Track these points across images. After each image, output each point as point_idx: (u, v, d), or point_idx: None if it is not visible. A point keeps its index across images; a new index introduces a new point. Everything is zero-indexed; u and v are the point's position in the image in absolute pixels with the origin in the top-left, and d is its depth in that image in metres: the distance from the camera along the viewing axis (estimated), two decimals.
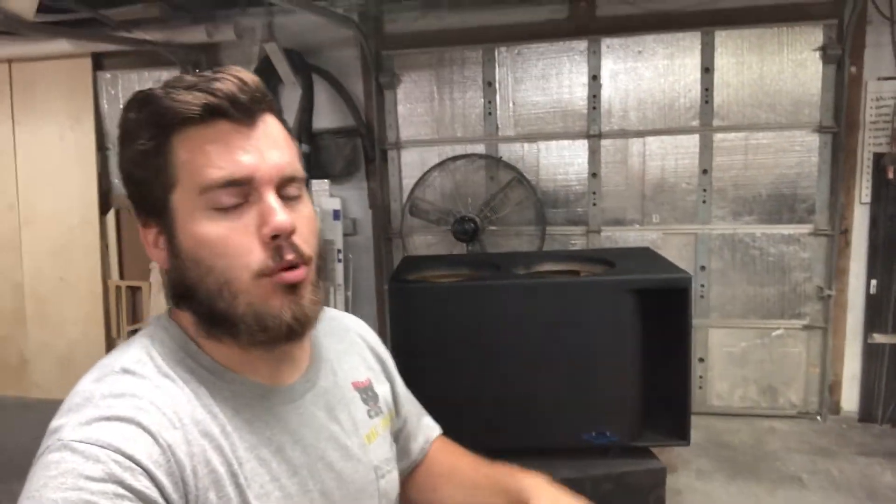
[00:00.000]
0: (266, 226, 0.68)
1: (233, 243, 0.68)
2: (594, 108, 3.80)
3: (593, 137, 3.83)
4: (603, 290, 2.26)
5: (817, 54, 3.58)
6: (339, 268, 3.96)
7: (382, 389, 0.94)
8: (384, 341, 1.03)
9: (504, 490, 0.93)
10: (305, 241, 0.72)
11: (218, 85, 0.68)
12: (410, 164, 4.07)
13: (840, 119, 3.58)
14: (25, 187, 4.53)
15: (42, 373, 4.55)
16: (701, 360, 3.90)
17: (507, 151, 3.95)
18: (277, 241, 0.69)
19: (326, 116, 4.11)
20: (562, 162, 3.91)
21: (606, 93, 3.78)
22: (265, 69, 4.01)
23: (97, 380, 0.68)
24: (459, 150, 3.97)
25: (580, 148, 3.87)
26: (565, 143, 3.88)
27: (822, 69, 3.59)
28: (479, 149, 3.97)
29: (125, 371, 0.69)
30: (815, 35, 3.56)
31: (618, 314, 2.25)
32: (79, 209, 4.45)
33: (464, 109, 3.97)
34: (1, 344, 4.62)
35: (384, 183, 4.11)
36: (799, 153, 3.65)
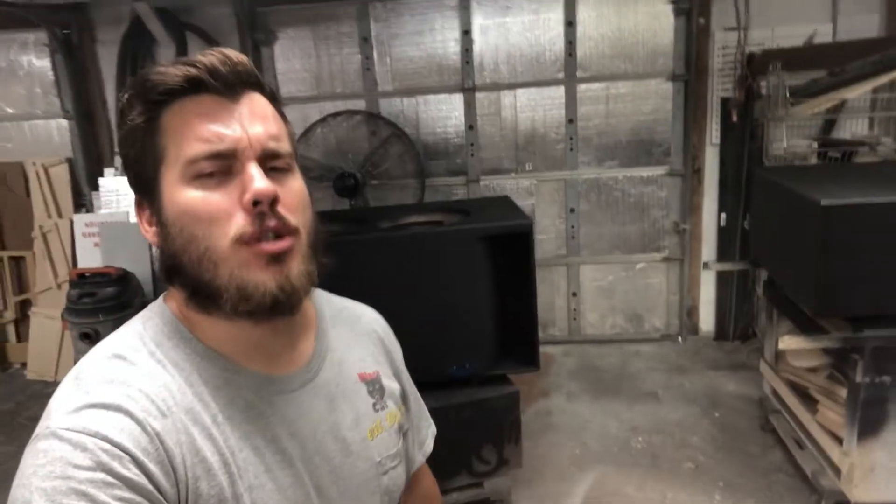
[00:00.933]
0: (246, 192, 0.68)
1: (212, 210, 0.68)
2: (467, 62, 3.97)
3: (468, 91, 4.01)
4: (455, 237, 2.47)
5: (669, 7, 3.85)
6: None
7: (390, 384, 0.91)
8: None
9: None
10: (291, 212, 0.71)
11: (200, 58, 0.69)
12: (293, 121, 4.09)
13: (691, 67, 3.89)
14: None
15: None
16: (574, 294, 4.25)
17: (387, 106, 4.08)
18: (259, 207, 0.68)
19: None
20: (440, 115, 4.08)
21: (478, 47, 3.95)
22: (137, 30, 3.94)
23: (90, 364, 0.69)
24: (340, 105, 4.06)
25: (456, 101, 4.04)
26: (442, 96, 4.04)
27: (673, 21, 3.87)
28: (360, 104, 4.07)
29: (117, 356, 0.69)
30: None
31: (471, 259, 2.48)
32: None
33: (342, 66, 4.05)
34: None
35: None
36: (654, 101, 3.96)
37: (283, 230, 0.69)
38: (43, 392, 4.14)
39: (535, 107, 4.00)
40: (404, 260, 2.49)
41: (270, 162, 0.71)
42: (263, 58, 4.07)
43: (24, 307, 4.49)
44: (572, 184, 4.09)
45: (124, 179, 4.07)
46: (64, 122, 4.28)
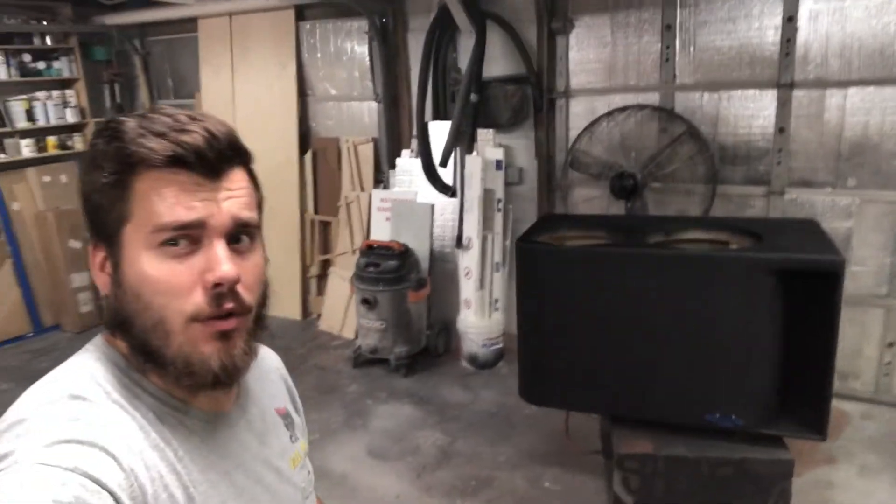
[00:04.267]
0: (210, 272, 0.69)
1: (173, 284, 0.69)
2: (787, 53, 3.39)
3: (784, 87, 3.43)
4: (737, 266, 2.11)
5: None
6: (499, 217, 4.05)
7: (297, 418, 0.98)
8: None
9: None
10: (249, 290, 0.73)
11: (185, 138, 0.69)
12: (579, 114, 3.98)
13: None
14: (241, 129, 5.14)
15: None
16: (890, 344, 3.46)
17: (684, 101, 3.69)
18: (219, 289, 0.70)
19: (499, 63, 4.12)
20: (745, 114, 3.57)
21: (803, 36, 3.35)
22: (443, 18, 4.12)
23: (46, 404, 0.68)
24: (631, 99, 3.79)
25: (768, 99, 3.50)
26: (750, 92, 3.53)
27: None
28: (654, 98, 3.76)
29: (74, 397, 0.69)
30: None
31: (752, 293, 2.11)
32: (283, 149, 4.99)
33: (639, 55, 3.76)
34: None
35: (550, 133, 4.07)
36: None
37: (238, 311, 0.72)
38: (329, 345, 4.67)
39: (871, 110, 3.28)
40: (671, 283, 2.21)
41: (238, 236, 0.73)
42: (558, 47, 3.96)
43: (325, 266, 5.10)
44: None
45: (418, 162, 4.38)
46: (374, 105, 4.70)
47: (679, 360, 2.26)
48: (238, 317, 0.72)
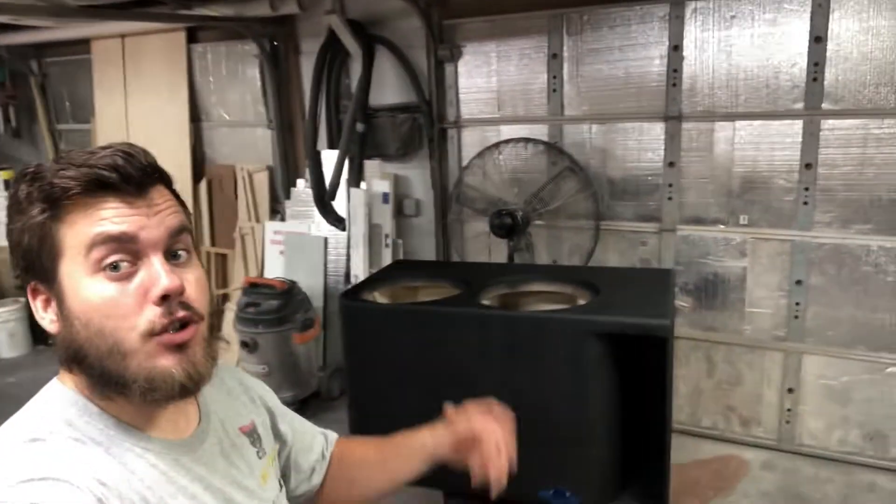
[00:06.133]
0: (154, 287, 0.71)
1: (121, 304, 0.70)
2: (674, 84, 3.21)
3: (672, 119, 3.25)
4: (559, 329, 1.89)
5: None
6: (387, 253, 3.81)
7: (263, 425, 0.98)
8: None
9: (410, 451, 1.08)
10: (196, 300, 0.75)
11: (103, 160, 0.71)
12: (471, 145, 3.77)
13: None
14: None
15: None
16: (790, 390, 3.27)
17: (573, 133, 3.49)
18: (167, 301, 0.71)
19: (389, 91, 3.91)
20: (635, 147, 3.38)
21: (690, 66, 3.16)
22: (333, 41, 3.90)
23: (6, 449, 0.68)
24: (523, 131, 3.58)
25: (656, 131, 3.31)
26: (639, 125, 3.34)
27: None
28: (542, 130, 3.55)
29: (34, 440, 0.69)
30: None
31: (580, 358, 1.88)
32: (176, 177, 4.70)
33: (527, 85, 3.56)
34: None
35: (443, 164, 3.85)
36: None
37: (191, 319, 0.73)
38: None
39: (760, 144, 3.10)
40: (496, 345, 1.99)
41: (174, 250, 0.74)
42: (447, 75, 3.75)
43: (224, 300, 4.81)
44: (802, 248, 3.11)
45: (310, 192, 4.13)
46: (268, 131, 4.45)
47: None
48: (192, 325, 0.74)
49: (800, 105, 2.98)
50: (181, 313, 0.72)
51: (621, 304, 1.93)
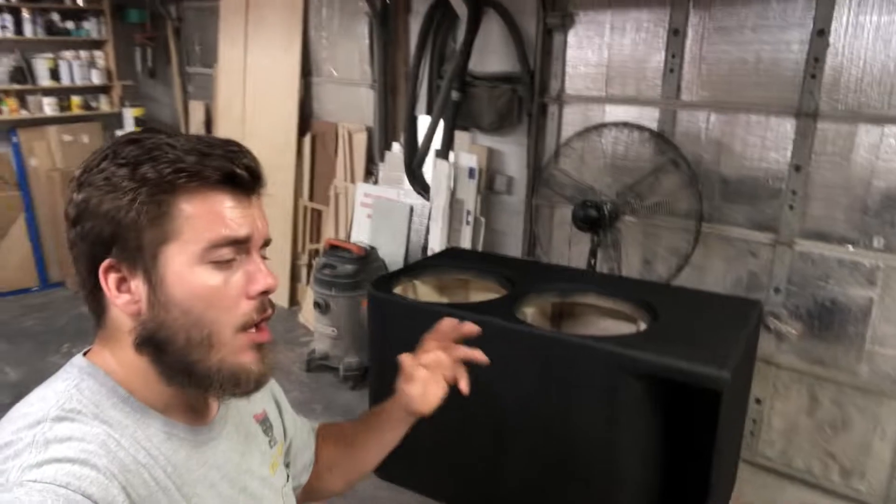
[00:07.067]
0: (257, 283, 0.75)
1: (225, 296, 0.73)
2: (813, 76, 2.72)
3: (806, 116, 2.77)
4: (593, 360, 1.62)
5: None
6: (467, 231, 3.61)
7: (275, 419, 0.99)
8: None
9: (379, 421, 1.09)
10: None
11: (242, 160, 0.74)
12: (571, 124, 3.45)
13: None
14: (252, 102, 4.99)
15: None
16: None
17: (687, 121, 3.09)
18: (264, 297, 0.76)
19: (493, 59, 3.65)
20: (758, 144, 2.93)
21: (836, 55, 2.66)
22: (443, 1, 3.70)
23: (31, 426, 0.68)
24: (631, 112, 3.22)
25: (785, 128, 2.84)
26: (765, 119, 2.88)
27: None
28: (653, 114, 3.17)
29: (61, 419, 0.69)
30: None
31: (613, 397, 1.61)
32: (283, 130, 4.76)
33: (641, 63, 3.18)
34: None
35: (540, 141, 3.57)
36: None
37: (270, 317, 0.78)
38: (298, 340, 4.43)
39: None
40: (523, 364, 1.75)
41: (263, 251, 0.78)
42: (555, 45, 3.44)
43: (315, 255, 4.84)
44: None
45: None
46: (371, 91, 4.34)
47: (528, 461, 1.81)
48: (267, 327, 0.78)
49: None
50: (269, 311, 0.77)
51: (675, 340, 1.62)
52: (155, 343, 0.73)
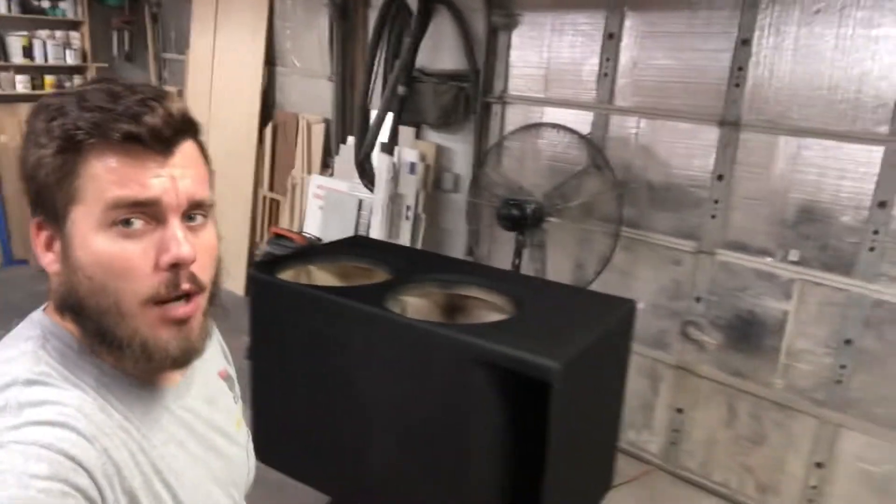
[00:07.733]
0: (167, 253, 0.67)
1: (127, 266, 0.67)
2: (737, 84, 2.71)
3: (729, 125, 2.76)
4: (438, 347, 1.63)
5: None
6: (406, 226, 3.62)
7: (234, 377, 0.98)
8: None
9: None
10: (203, 270, 0.72)
11: (131, 109, 0.66)
12: (513, 123, 3.45)
13: None
14: (218, 90, 5.02)
15: None
16: (819, 465, 2.74)
17: (619, 126, 3.09)
18: (175, 269, 0.68)
19: (443, 56, 3.66)
20: (683, 151, 2.92)
21: (758, 66, 2.66)
22: None
23: (7, 392, 0.65)
24: (568, 115, 3.22)
25: (709, 137, 2.84)
26: (691, 126, 2.88)
27: None
28: (587, 117, 3.17)
29: (32, 382, 0.67)
30: None
31: (462, 385, 1.62)
32: (246, 118, 4.79)
33: (578, 66, 3.18)
34: None
35: (483, 140, 3.57)
36: None
37: (194, 290, 0.70)
38: None
39: (827, 170, 2.56)
40: (384, 352, 1.76)
41: (192, 213, 0.70)
42: (499, 45, 3.44)
43: None
44: (860, 301, 2.55)
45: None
46: (330, 84, 4.37)
47: (391, 448, 1.82)
48: (194, 297, 0.71)
49: (884, 128, 2.41)
50: (186, 286, 0.69)
51: (522, 331, 1.62)
52: (69, 306, 0.70)
